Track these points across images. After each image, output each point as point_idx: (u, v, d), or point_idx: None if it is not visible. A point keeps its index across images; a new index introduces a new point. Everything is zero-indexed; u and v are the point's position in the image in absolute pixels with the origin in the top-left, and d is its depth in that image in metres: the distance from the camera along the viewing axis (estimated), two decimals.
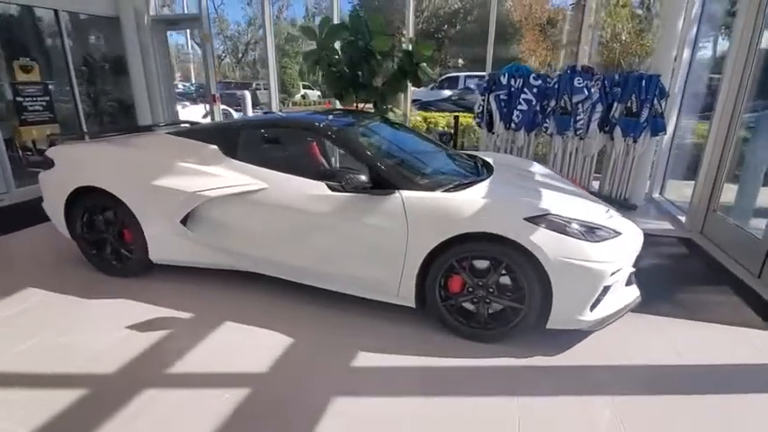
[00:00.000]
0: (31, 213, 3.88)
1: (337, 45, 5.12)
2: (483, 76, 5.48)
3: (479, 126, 5.29)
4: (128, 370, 2.11)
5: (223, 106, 15.53)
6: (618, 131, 4.60)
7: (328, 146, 3.10)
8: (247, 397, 1.94)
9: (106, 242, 3.02)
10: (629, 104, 4.49)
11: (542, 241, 2.09)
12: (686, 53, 4.76)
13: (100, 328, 2.46)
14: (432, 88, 13.17)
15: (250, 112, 7.26)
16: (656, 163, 5.19)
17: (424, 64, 5.02)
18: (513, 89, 4.86)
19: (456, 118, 5.85)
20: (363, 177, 2.29)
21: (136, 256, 2.95)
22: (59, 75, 5.70)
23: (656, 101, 4.41)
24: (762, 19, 3.47)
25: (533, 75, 4.78)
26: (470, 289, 2.30)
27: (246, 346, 2.33)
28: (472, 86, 11.97)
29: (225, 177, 2.66)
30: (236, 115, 15.16)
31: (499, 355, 2.26)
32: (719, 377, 2.12)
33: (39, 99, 5.22)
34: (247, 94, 7.26)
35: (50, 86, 5.41)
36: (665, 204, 5.04)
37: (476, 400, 1.96)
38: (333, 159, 3.63)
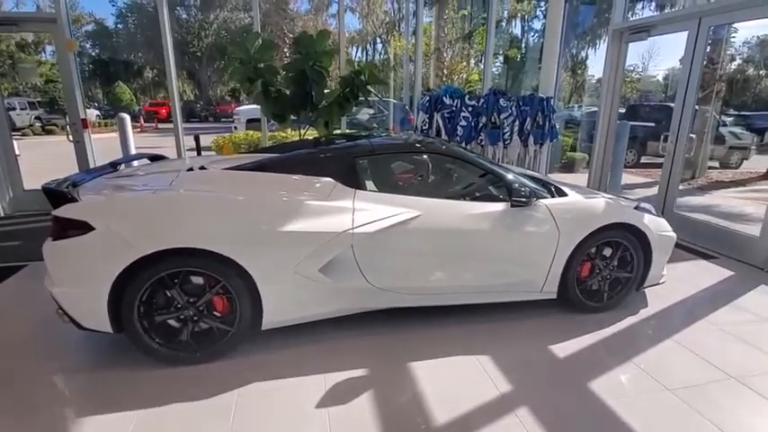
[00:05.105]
0: None
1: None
2: None
3: None
4: None
5: None
6: (531, 140, 5.92)
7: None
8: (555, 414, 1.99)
9: (186, 322, 2.26)
10: (536, 119, 5.85)
11: (648, 223, 2.83)
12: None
13: (293, 425, 1.93)
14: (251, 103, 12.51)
15: (131, 139, 5.85)
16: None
17: (369, 86, 5.27)
18: (454, 108, 5.62)
19: None
20: (530, 191, 2.56)
21: (240, 327, 2.32)
22: None
23: (551, 115, 5.91)
24: (621, 68, 5.20)
25: (467, 96, 5.66)
26: (598, 270, 2.85)
27: (460, 378, 2.27)
28: None
29: (365, 211, 2.42)
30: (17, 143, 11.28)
31: (622, 318, 2.88)
32: (712, 293, 3.33)
33: None
34: (126, 117, 5.82)
35: None
36: None
37: (663, 345, 2.56)
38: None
